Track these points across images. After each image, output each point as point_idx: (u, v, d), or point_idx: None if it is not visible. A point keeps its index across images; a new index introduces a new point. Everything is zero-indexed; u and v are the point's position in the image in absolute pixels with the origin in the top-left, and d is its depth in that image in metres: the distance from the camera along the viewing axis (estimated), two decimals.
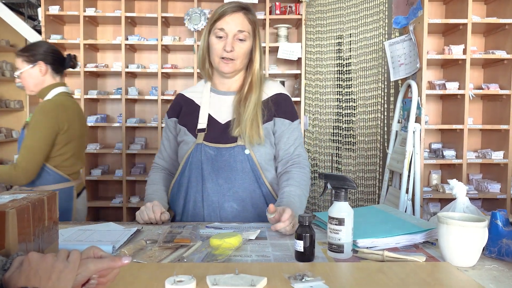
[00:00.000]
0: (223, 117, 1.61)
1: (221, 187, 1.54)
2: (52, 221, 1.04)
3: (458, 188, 1.37)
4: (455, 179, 1.40)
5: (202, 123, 1.59)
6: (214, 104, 1.63)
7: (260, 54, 1.61)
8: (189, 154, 1.57)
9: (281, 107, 1.63)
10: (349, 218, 1.11)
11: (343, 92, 3.58)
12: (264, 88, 1.64)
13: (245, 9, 1.56)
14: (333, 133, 3.63)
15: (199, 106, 1.64)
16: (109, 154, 3.94)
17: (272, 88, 1.66)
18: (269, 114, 1.59)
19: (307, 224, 1.10)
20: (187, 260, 1.06)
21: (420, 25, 2.75)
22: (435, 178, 3.38)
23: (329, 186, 1.23)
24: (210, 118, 1.61)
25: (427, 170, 3.46)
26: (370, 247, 1.17)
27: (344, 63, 3.57)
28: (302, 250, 1.08)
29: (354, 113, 3.52)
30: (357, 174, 3.48)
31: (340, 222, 1.11)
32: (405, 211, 2.68)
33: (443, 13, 3.44)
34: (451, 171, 3.28)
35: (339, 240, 1.11)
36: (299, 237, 1.09)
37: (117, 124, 3.66)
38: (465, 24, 3.00)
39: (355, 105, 3.51)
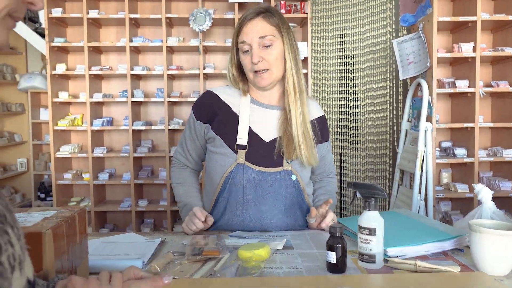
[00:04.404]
0: (267, 134, 1.49)
1: (264, 215, 1.47)
2: (82, 236, 1.03)
3: (484, 193, 1.35)
4: (480, 184, 1.39)
5: (242, 138, 1.46)
6: (256, 117, 1.51)
7: (292, 56, 1.46)
8: (229, 173, 1.47)
9: (324, 132, 1.60)
10: (380, 228, 1.10)
11: (350, 91, 3.57)
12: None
13: (263, 12, 1.44)
14: (340, 132, 3.62)
15: (238, 116, 1.50)
16: (115, 158, 3.91)
17: (315, 109, 1.60)
18: (316, 139, 1.53)
19: (339, 235, 1.09)
20: (220, 275, 1.05)
21: (429, 23, 2.74)
22: (445, 176, 3.38)
23: (358, 195, 1.22)
24: (252, 133, 1.48)
25: (438, 169, 3.45)
26: (399, 256, 1.16)
27: (350, 62, 3.55)
28: (335, 262, 1.07)
29: (362, 112, 3.51)
30: (366, 174, 3.47)
31: (371, 232, 1.10)
32: (418, 211, 2.68)
33: (450, 10, 3.42)
34: (462, 169, 3.28)
35: (370, 250, 1.10)
36: (330, 248, 1.08)
37: (123, 127, 3.64)
38: (474, 22, 2.98)
39: (363, 104, 3.50)
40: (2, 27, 0.58)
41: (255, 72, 1.44)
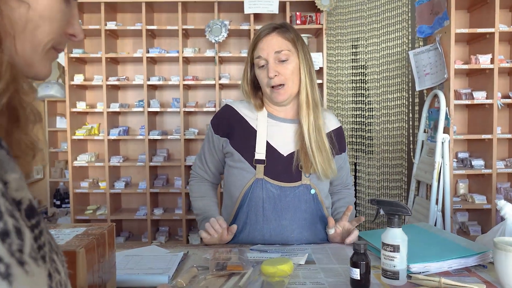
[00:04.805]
0: (284, 148, 1.51)
1: (284, 229, 1.48)
2: (111, 252, 1.05)
3: (507, 209, 1.34)
4: (503, 200, 1.38)
5: (261, 153, 1.49)
6: (273, 131, 1.53)
7: (306, 70, 1.47)
8: (248, 188, 1.49)
9: (341, 143, 1.62)
10: (403, 245, 1.11)
11: (365, 101, 3.57)
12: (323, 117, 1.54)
13: (278, 28, 1.46)
14: (355, 142, 3.62)
15: (255, 130, 1.52)
16: (131, 167, 3.95)
17: (330, 120, 1.60)
18: (333, 151, 1.53)
19: (363, 252, 1.09)
20: None
21: (446, 35, 2.73)
22: (462, 187, 3.36)
23: (381, 212, 1.22)
24: (269, 147, 1.50)
25: (454, 179, 3.43)
26: (422, 272, 1.16)
27: (365, 72, 3.56)
28: (359, 278, 1.08)
29: (377, 122, 3.50)
30: (382, 184, 3.46)
31: (395, 249, 1.10)
32: (435, 223, 2.66)
33: (467, 21, 3.41)
34: (479, 180, 3.25)
35: (394, 267, 1.10)
36: (355, 265, 1.08)
37: (140, 137, 3.68)
38: (492, 33, 2.97)
39: (378, 114, 3.49)
40: (46, 59, 0.60)
41: (272, 87, 1.46)
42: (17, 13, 0.53)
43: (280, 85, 1.45)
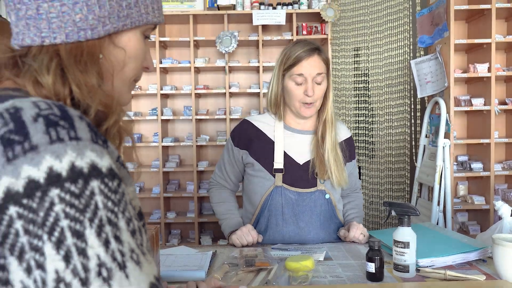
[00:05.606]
0: (301, 157, 1.65)
1: (302, 230, 1.63)
2: (157, 250, 1.19)
3: (504, 209, 1.49)
4: (500, 201, 1.53)
5: (279, 162, 1.63)
6: (290, 142, 1.66)
7: (332, 90, 1.66)
8: (268, 194, 1.63)
9: (351, 152, 1.76)
10: (413, 242, 1.26)
11: (369, 107, 3.73)
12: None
13: (318, 49, 1.59)
14: (360, 147, 3.77)
15: (273, 141, 1.66)
16: (144, 172, 4.09)
17: (342, 130, 1.74)
18: (344, 159, 1.68)
19: (377, 248, 1.24)
20: (275, 283, 1.21)
21: (446, 45, 2.89)
22: (462, 189, 3.52)
23: (393, 212, 1.37)
24: (287, 156, 1.64)
25: (454, 181, 3.58)
26: (429, 266, 1.31)
27: (369, 80, 3.72)
28: (374, 271, 1.23)
29: (381, 128, 3.66)
30: (385, 186, 3.61)
31: (405, 245, 1.25)
32: (437, 222, 2.81)
33: (465, 31, 3.58)
34: (478, 182, 3.41)
35: (405, 261, 1.25)
36: (370, 260, 1.23)
37: (154, 144, 3.82)
38: (489, 43, 3.13)
39: (382, 120, 3.65)
40: (129, 90, 0.76)
41: (304, 103, 1.60)
42: (115, 56, 0.68)
43: (312, 102, 1.60)
